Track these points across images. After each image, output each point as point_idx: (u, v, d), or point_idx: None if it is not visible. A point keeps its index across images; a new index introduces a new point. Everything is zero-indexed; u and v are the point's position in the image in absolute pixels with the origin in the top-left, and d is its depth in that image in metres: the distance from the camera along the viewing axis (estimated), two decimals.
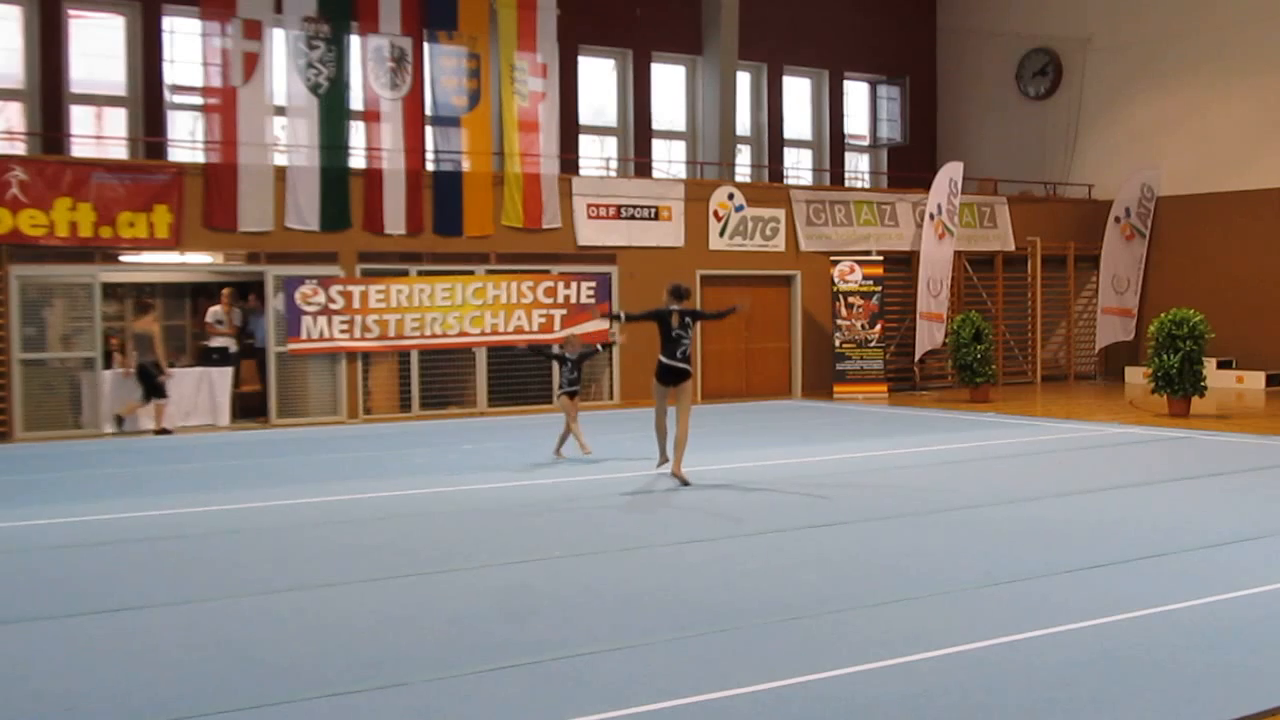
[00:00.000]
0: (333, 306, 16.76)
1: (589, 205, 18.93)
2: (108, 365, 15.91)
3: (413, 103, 17.82)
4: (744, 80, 23.45)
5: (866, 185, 24.95)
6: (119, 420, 15.62)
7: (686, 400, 10.78)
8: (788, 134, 24.23)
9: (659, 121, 22.68)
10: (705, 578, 7.34)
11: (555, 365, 14.70)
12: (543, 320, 18.28)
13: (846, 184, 24.54)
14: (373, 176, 17.38)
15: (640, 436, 14.91)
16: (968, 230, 22.06)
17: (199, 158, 16.92)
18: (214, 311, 17.09)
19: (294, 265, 16.76)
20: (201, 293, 17.77)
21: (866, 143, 25.55)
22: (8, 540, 8.81)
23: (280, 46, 17.03)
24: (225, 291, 17.17)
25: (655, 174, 21.79)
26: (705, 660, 5.61)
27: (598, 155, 22.11)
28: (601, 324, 18.67)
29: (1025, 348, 23.16)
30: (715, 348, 20.29)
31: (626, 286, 19.07)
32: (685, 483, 10.77)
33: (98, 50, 17.97)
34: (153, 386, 15.48)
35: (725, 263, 20.13)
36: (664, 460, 11.29)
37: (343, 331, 16.84)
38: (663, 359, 10.75)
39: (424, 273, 17.64)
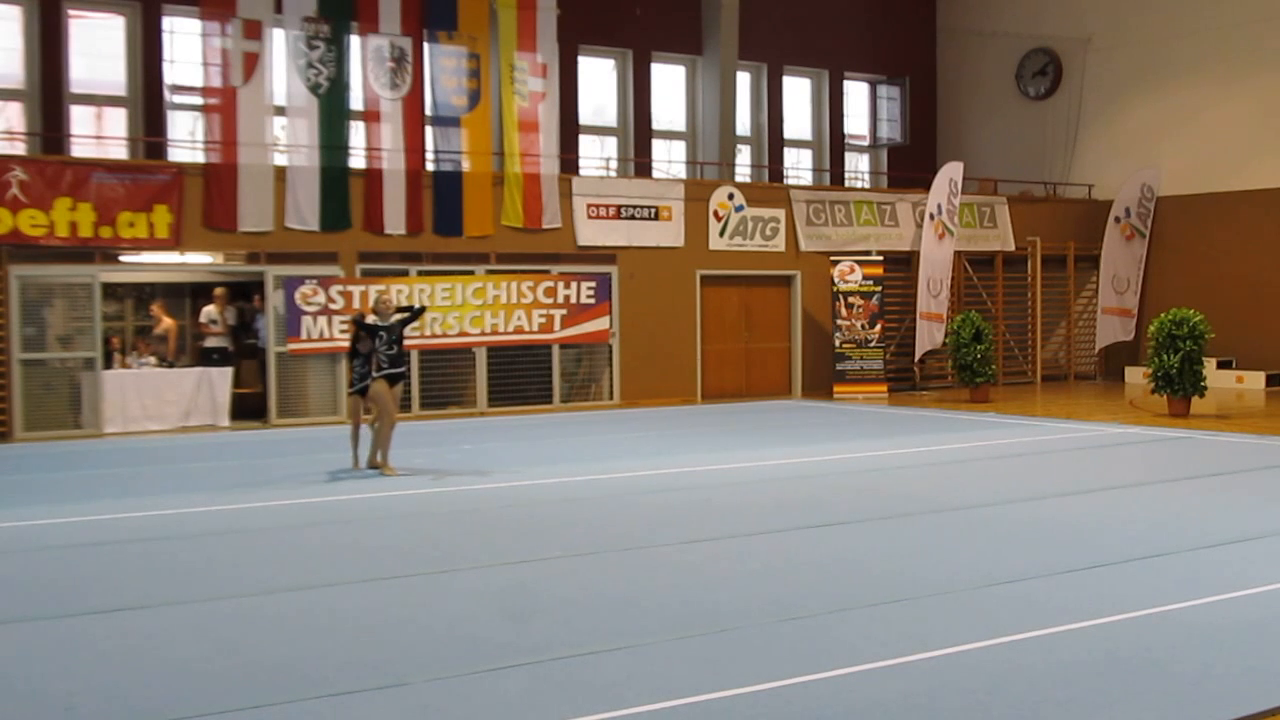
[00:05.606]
0: (333, 306, 16.75)
1: (589, 205, 18.92)
2: (108, 365, 15.91)
3: (413, 103, 17.81)
4: (744, 80, 23.44)
5: (866, 185, 24.94)
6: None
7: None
8: (788, 134, 24.22)
9: (659, 121, 22.66)
10: (705, 578, 7.34)
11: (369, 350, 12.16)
12: (543, 320, 18.27)
13: (846, 184, 24.52)
14: (373, 176, 17.37)
15: (638, 436, 14.94)
16: (968, 230, 22.05)
17: (199, 158, 16.91)
18: (207, 311, 17.07)
19: (294, 265, 16.76)
20: (201, 293, 17.76)
21: (866, 143, 25.53)
22: (8, 540, 8.81)
23: (280, 46, 17.02)
24: (219, 291, 17.15)
25: (655, 174, 21.78)
26: (705, 660, 5.60)
27: (598, 155, 22.10)
28: (601, 323, 18.68)
29: (1025, 348, 23.15)
30: (715, 348, 20.28)
31: (626, 287, 19.07)
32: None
33: (98, 50, 17.94)
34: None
35: (725, 263, 20.12)
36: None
37: (343, 332, 16.83)
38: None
39: (424, 273, 17.64)
